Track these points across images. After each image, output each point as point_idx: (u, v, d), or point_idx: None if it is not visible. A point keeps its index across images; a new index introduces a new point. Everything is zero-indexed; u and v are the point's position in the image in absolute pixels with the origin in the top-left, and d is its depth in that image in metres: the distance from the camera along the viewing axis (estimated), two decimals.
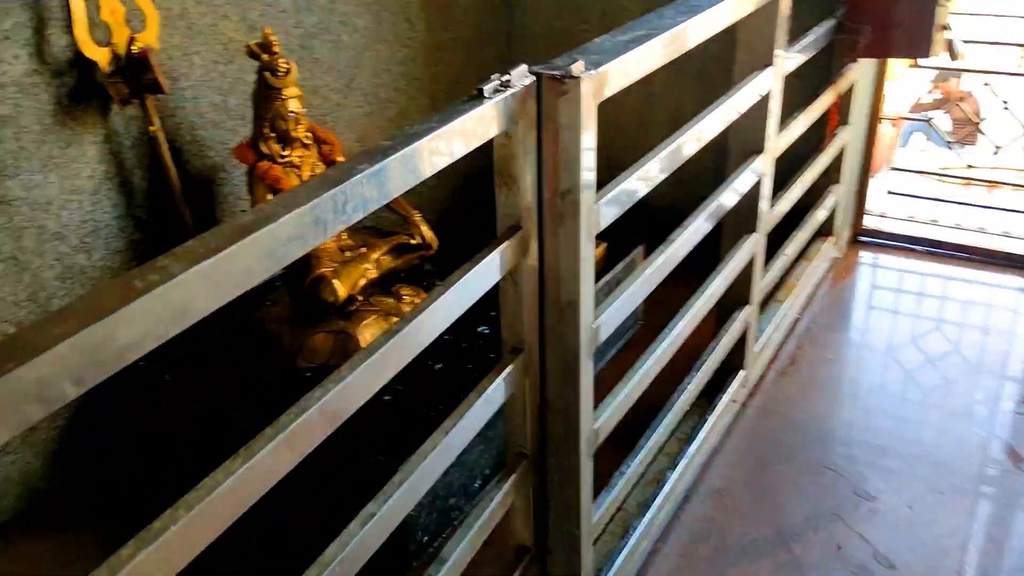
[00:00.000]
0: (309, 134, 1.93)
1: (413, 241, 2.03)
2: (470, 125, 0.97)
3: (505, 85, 1.00)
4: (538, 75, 1.03)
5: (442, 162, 0.97)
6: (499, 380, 1.17)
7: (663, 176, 1.32)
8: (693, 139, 1.39)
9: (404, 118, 2.61)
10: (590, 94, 1.04)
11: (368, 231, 2.10)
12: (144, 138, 1.86)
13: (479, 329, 1.98)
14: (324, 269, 1.90)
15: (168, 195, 1.89)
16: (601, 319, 1.24)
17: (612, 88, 1.10)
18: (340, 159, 2.02)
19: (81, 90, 1.72)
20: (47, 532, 1.78)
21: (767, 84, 1.63)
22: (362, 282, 1.93)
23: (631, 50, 1.14)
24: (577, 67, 1.02)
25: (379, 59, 2.46)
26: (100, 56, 1.68)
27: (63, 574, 1.63)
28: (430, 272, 2.16)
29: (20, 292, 1.71)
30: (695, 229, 1.52)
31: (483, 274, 1.08)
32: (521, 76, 1.03)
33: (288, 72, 1.84)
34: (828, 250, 2.56)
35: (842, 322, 2.39)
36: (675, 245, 1.43)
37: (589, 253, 1.15)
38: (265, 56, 1.83)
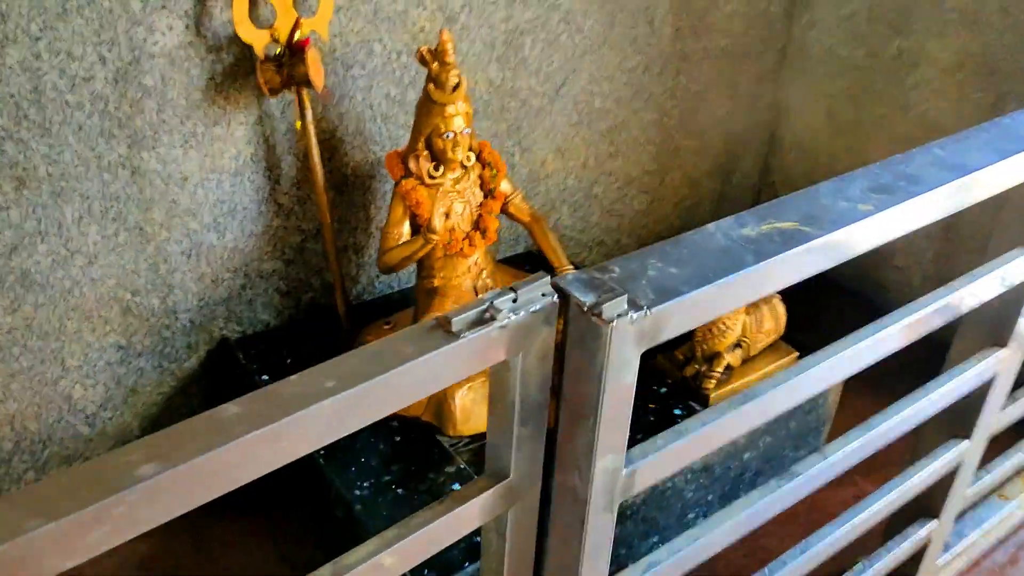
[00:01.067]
0: (471, 155, 1.69)
1: None
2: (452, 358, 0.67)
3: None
4: (564, 295, 0.71)
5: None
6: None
7: None
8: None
9: (618, 133, 2.28)
10: (632, 340, 0.70)
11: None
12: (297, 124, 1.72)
13: None
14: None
15: (311, 190, 1.75)
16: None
17: (675, 328, 0.75)
18: (503, 188, 1.76)
19: (238, 69, 1.60)
20: None
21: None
22: None
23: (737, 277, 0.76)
24: (614, 306, 0.69)
25: (602, 64, 2.14)
26: (256, 39, 1.54)
27: None
28: None
29: (141, 262, 1.67)
30: (882, 433, 1.11)
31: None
32: (537, 293, 0.71)
33: (457, 87, 1.60)
34: None
35: None
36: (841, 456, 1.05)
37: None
38: (435, 65, 1.60)
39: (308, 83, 1.56)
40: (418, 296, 1.78)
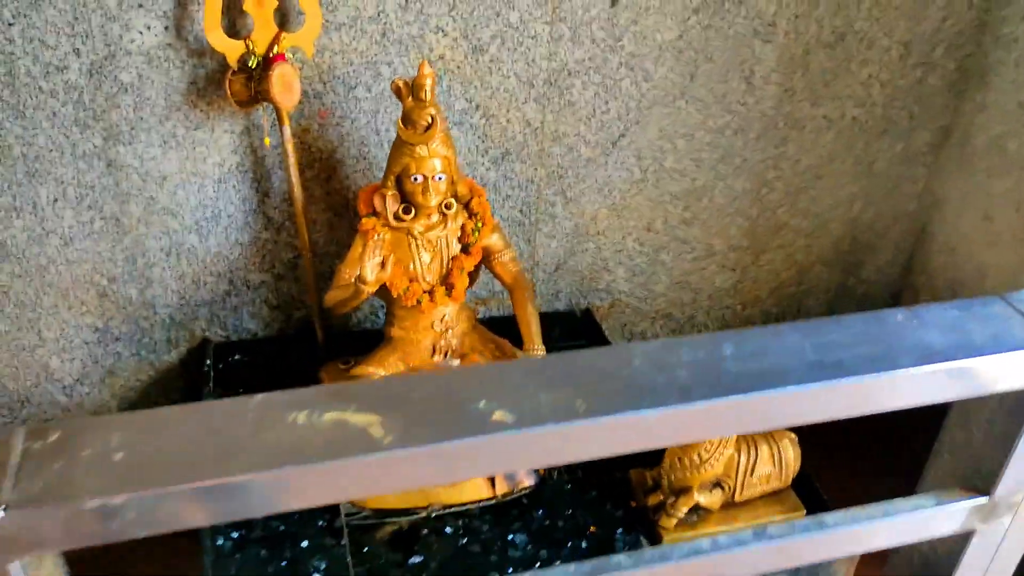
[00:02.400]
0: (452, 201, 1.52)
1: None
2: None
3: None
4: None
5: None
6: None
7: None
8: None
9: (697, 199, 1.98)
10: None
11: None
12: (295, 140, 1.64)
13: None
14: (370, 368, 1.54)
15: (293, 211, 1.66)
16: None
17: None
18: (493, 243, 1.58)
19: (221, 77, 1.55)
20: None
21: None
22: None
23: None
24: None
25: (677, 119, 1.85)
26: (229, 48, 1.47)
27: None
28: None
29: (117, 252, 1.67)
30: None
31: None
32: None
33: (430, 128, 1.43)
34: None
35: None
36: None
37: None
38: (408, 100, 1.44)
39: (273, 100, 1.47)
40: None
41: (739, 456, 1.47)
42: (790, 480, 1.53)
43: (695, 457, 1.45)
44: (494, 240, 1.59)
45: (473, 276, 1.63)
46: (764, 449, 1.49)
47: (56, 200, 1.59)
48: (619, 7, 1.69)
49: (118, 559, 1.69)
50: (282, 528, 1.46)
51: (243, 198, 1.69)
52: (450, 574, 1.41)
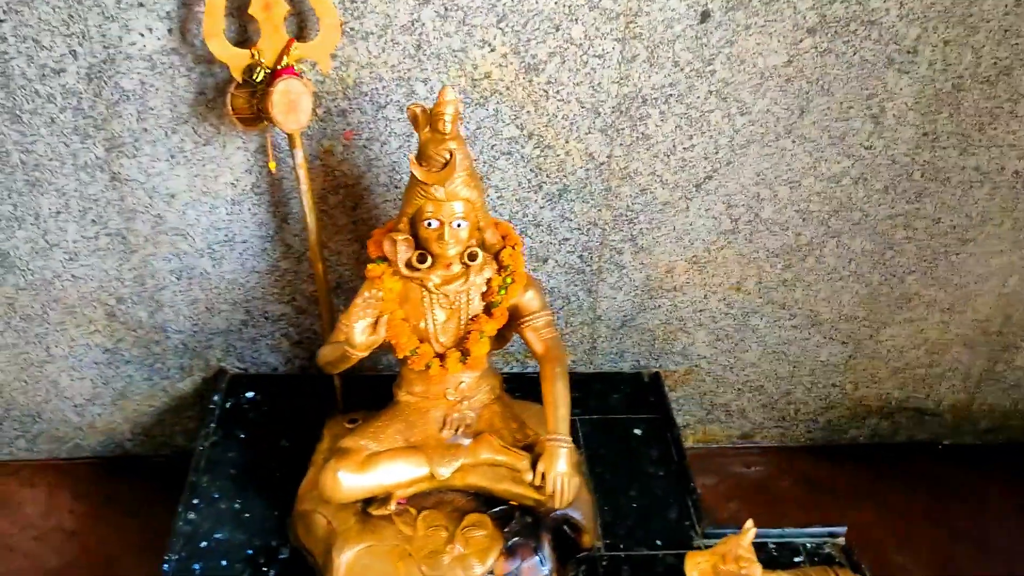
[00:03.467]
0: (477, 251, 1.26)
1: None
2: None
3: None
4: None
5: None
6: None
7: None
8: None
9: (802, 258, 1.63)
10: None
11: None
12: (317, 163, 1.44)
13: None
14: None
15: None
16: None
17: None
18: (526, 303, 1.31)
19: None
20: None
21: None
22: None
23: None
24: None
25: (780, 162, 1.52)
26: (233, 58, 1.27)
27: None
28: None
29: (125, 271, 1.53)
30: None
31: None
32: None
33: (446, 166, 1.19)
34: None
35: None
36: None
37: None
38: (425, 131, 1.20)
39: (273, 121, 1.26)
40: None
41: None
42: None
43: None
44: (526, 300, 1.32)
45: (499, 341, 1.37)
46: None
47: (59, 212, 1.45)
48: (710, 23, 1.37)
49: None
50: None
51: (259, 223, 1.50)
52: None
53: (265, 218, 1.50)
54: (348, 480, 1.26)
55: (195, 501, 1.42)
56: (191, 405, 1.71)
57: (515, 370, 1.72)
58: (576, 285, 1.63)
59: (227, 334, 1.63)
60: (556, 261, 1.59)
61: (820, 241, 1.62)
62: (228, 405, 1.61)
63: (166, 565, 1.31)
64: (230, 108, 1.29)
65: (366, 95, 1.39)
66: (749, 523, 1.15)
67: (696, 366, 1.77)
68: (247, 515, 1.41)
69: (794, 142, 1.50)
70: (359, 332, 1.22)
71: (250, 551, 1.35)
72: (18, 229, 1.47)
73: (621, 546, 1.40)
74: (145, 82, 1.34)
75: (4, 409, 1.68)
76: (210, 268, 1.54)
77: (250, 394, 1.64)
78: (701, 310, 1.69)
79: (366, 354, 1.25)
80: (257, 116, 1.28)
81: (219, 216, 1.49)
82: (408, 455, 1.31)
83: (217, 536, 1.37)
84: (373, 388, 1.50)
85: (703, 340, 1.73)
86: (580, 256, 1.60)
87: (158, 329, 1.61)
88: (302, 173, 1.35)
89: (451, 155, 1.19)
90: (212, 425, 1.56)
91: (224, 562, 1.33)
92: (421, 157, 1.20)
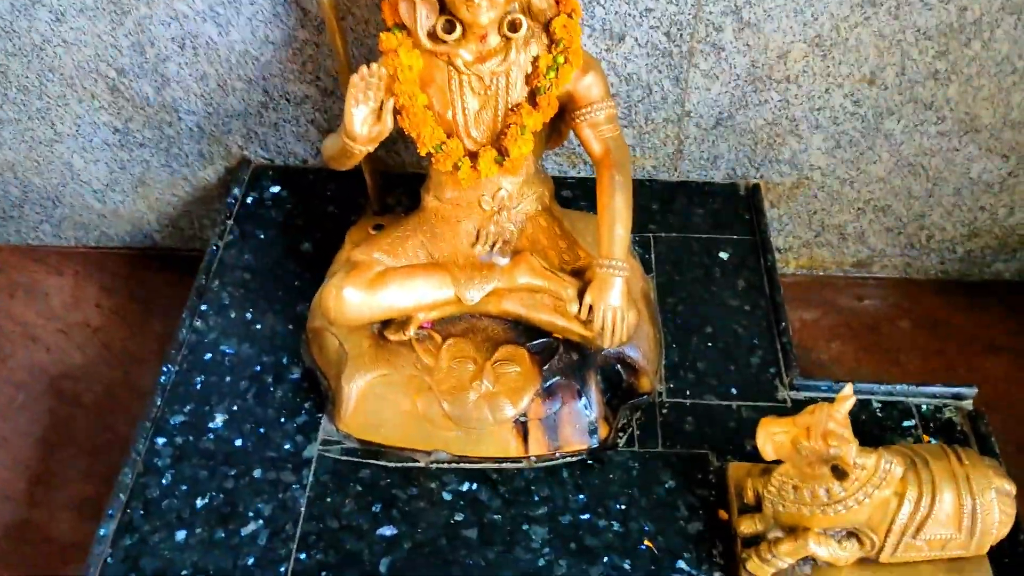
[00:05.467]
0: (520, 19, 0.97)
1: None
2: None
3: None
4: None
5: None
6: None
7: None
8: None
9: (963, 42, 1.24)
10: None
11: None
12: None
13: None
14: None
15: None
16: None
17: None
18: (581, 91, 1.03)
19: None
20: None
21: None
22: None
23: None
24: None
25: None
26: None
27: None
28: None
29: (120, 36, 1.30)
30: None
31: None
32: None
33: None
34: None
35: None
36: None
37: None
38: None
39: None
40: None
41: (902, 504, 0.89)
42: (986, 548, 0.94)
43: (821, 492, 0.89)
44: (583, 86, 1.02)
45: (551, 139, 1.09)
46: (949, 499, 0.90)
47: None
48: None
49: None
50: (237, 443, 1.11)
51: None
52: (422, 564, 1.01)
53: None
54: (354, 299, 1.05)
55: (203, 307, 1.26)
56: (217, 197, 1.52)
57: (582, 174, 1.44)
58: (660, 71, 1.30)
59: (245, 117, 1.40)
60: (635, 39, 1.26)
61: (993, 19, 1.21)
62: (249, 200, 1.41)
63: (163, 377, 1.17)
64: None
65: None
66: (848, 388, 0.88)
67: (807, 178, 1.44)
68: (258, 327, 1.24)
69: None
70: (359, 121, 0.96)
71: (258, 367, 1.19)
72: None
73: (687, 392, 1.16)
74: None
75: (22, 191, 1.54)
76: (215, 36, 1.29)
77: (275, 188, 1.43)
78: (820, 108, 1.34)
79: (370, 148, 0.99)
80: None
81: None
82: (429, 273, 1.08)
83: (223, 348, 1.21)
84: (411, 186, 1.26)
85: (819, 146, 1.39)
86: (667, 33, 1.25)
87: (168, 108, 1.39)
88: None
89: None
90: (229, 222, 1.37)
91: (228, 378, 1.18)
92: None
